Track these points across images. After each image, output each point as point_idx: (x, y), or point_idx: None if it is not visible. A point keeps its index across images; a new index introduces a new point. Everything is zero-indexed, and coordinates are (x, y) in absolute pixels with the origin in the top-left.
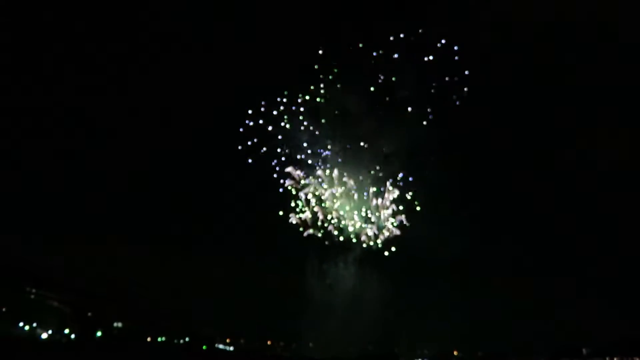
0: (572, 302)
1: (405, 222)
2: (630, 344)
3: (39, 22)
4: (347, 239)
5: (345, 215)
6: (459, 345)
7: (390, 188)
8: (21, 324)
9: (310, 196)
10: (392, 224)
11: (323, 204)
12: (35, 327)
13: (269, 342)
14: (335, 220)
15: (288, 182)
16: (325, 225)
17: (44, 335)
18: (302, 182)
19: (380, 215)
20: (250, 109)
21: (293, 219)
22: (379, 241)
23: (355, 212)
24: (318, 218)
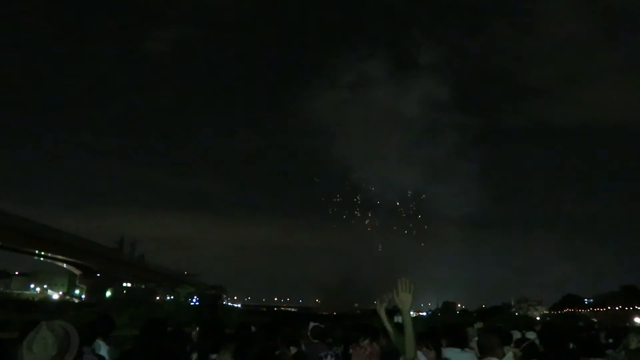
0: (574, 256)
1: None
2: (630, 293)
3: None
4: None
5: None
6: (463, 296)
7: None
8: (32, 285)
9: None
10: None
11: None
12: (47, 288)
13: (275, 299)
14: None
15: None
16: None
17: (55, 296)
18: None
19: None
20: None
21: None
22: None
23: None
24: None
